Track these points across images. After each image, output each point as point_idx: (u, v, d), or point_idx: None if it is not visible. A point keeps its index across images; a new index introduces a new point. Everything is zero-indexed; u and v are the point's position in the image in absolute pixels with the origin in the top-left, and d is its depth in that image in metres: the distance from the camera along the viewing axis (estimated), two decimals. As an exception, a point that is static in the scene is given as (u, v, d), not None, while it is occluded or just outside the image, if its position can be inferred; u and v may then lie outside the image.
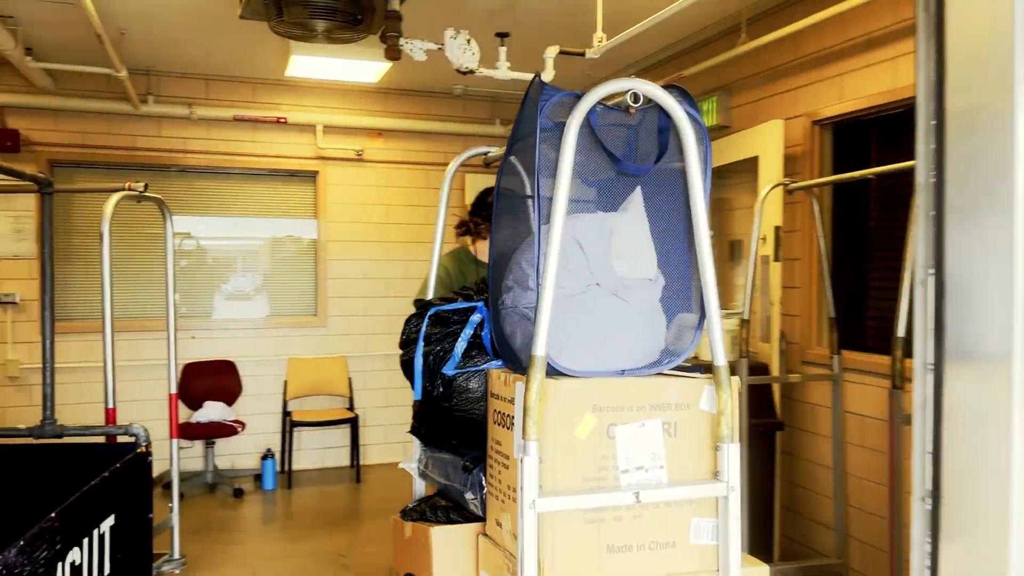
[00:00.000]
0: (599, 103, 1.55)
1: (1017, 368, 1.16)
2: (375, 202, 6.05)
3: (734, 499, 1.55)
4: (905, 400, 2.92)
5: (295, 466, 5.84)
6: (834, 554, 3.70)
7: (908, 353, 2.87)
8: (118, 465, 2.30)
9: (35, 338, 5.27)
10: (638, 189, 1.64)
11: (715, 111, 4.58)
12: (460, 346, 1.88)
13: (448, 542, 1.87)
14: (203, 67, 5.45)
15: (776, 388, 4.05)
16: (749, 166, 4.29)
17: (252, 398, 5.77)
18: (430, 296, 2.19)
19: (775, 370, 4.04)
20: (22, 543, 1.56)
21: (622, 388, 1.57)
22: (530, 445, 1.43)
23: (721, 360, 1.54)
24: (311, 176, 5.95)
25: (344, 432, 5.84)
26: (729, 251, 4.85)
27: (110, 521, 2.21)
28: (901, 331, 2.95)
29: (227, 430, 5.21)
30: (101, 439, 2.85)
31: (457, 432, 1.90)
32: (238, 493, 5.20)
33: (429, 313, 1.96)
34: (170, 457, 3.46)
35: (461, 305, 1.95)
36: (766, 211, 3.79)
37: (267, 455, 5.42)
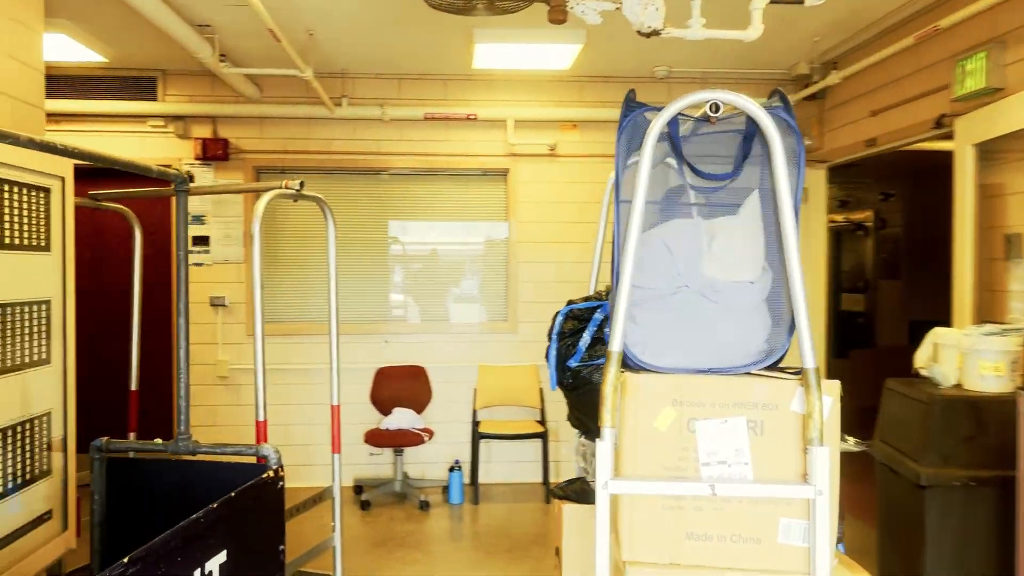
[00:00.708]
0: (681, 113, 1.65)
1: None
2: (568, 200, 5.62)
3: (822, 503, 1.55)
4: None
5: (484, 479, 5.56)
6: None
7: None
8: (233, 495, 2.03)
9: (243, 340, 5.45)
10: (755, 193, 1.71)
11: (983, 70, 3.61)
12: (584, 340, 2.06)
13: (576, 519, 2.15)
14: (394, 66, 5.34)
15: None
16: (1033, 136, 3.31)
17: (441, 405, 5.58)
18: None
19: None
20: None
21: (703, 384, 1.63)
22: (605, 431, 1.56)
23: (810, 363, 1.55)
24: (502, 174, 5.65)
25: (536, 446, 5.47)
26: (1005, 248, 3.82)
27: (220, 558, 1.95)
28: None
29: (414, 438, 5.03)
30: (251, 458, 2.65)
31: (590, 419, 2.06)
32: (424, 506, 4.99)
33: (565, 310, 2.17)
34: (332, 472, 3.23)
35: (592, 304, 2.14)
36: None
37: (454, 467, 5.18)
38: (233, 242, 5.43)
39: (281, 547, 2.33)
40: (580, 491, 2.21)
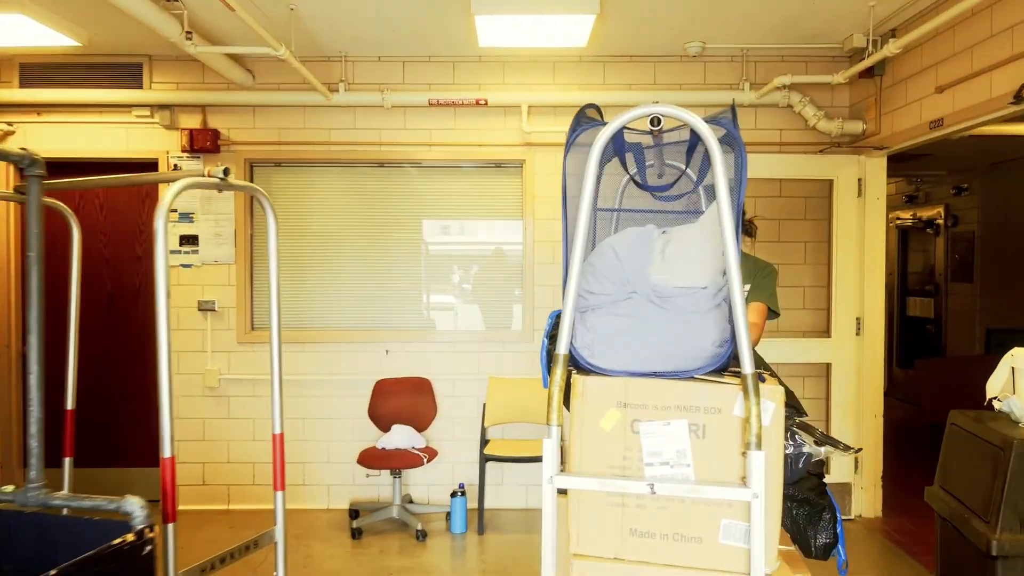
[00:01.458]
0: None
1: None
2: (591, 194, 5.03)
3: (757, 505, 1.58)
4: None
5: (493, 504, 5.03)
6: None
7: None
8: (68, 565, 1.55)
9: (234, 347, 5.03)
10: (714, 204, 1.71)
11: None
12: None
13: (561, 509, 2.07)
14: (398, 48, 4.84)
15: None
16: None
17: (448, 421, 5.06)
18: None
19: None
20: None
21: (648, 387, 1.70)
22: (552, 429, 1.66)
23: (747, 368, 1.58)
24: (516, 166, 5.10)
25: (551, 468, 4.90)
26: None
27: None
28: None
29: (412, 460, 4.53)
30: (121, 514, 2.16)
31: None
32: (421, 536, 4.48)
33: (556, 312, 2.07)
34: (275, 509, 2.74)
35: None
36: None
37: (457, 492, 4.65)
38: (224, 241, 5.01)
39: (152, 628, 1.84)
40: None
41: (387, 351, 5.04)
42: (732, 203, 1.62)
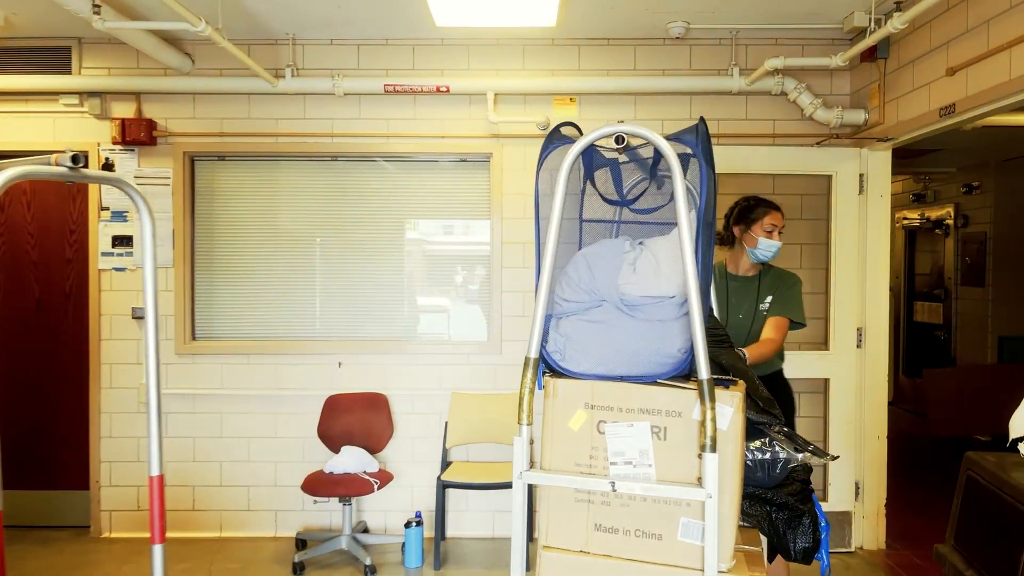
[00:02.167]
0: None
1: None
2: (565, 191, 4.56)
3: (711, 505, 1.66)
4: None
5: (456, 532, 4.57)
6: None
7: None
8: None
9: (173, 359, 4.57)
10: (692, 213, 1.81)
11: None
12: None
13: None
14: (352, 30, 4.39)
15: None
16: None
17: (406, 441, 4.59)
18: None
19: None
20: None
21: (613, 390, 1.79)
22: (522, 428, 1.78)
23: (703, 374, 1.65)
24: (483, 160, 4.64)
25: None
26: None
27: None
28: None
29: (361, 486, 4.06)
30: None
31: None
32: (369, 572, 4.01)
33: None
34: (152, 567, 2.28)
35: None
36: None
37: (411, 522, 4.18)
38: (161, 242, 4.55)
39: None
40: None
41: (340, 363, 4.58)
42: (709, 214, 1.76)
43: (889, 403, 4.49)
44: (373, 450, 4.45)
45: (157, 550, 2.29)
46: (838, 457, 2.43)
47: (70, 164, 2.00)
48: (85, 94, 4.50)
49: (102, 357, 4.57)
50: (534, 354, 1.78)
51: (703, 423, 1.65)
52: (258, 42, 4.52)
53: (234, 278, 4.63)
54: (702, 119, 1.82)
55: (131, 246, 4.55)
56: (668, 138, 1.82)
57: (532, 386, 1.77)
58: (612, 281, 1.86)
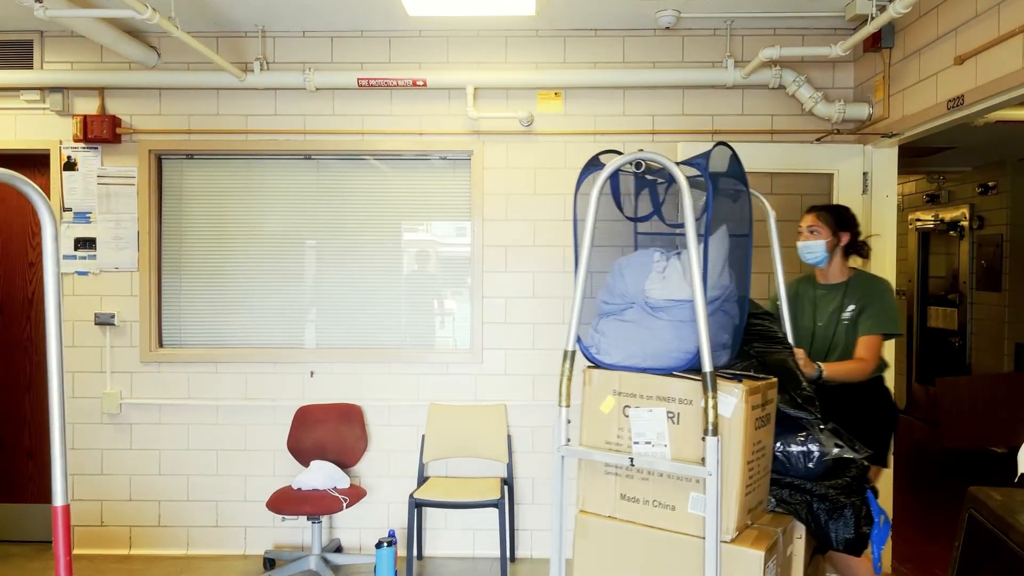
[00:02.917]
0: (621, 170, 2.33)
1: None
2: (551, 191, 4.31)
3: (712, 482, 1.93)
4: None
5: (434, 551, 4.32)
6: None
7: None
8: None
9: (138, 368, 4.36)
10: (722, 228, 2.25)
11: None
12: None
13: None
14: (324, 22, 4.16)
15: None
16: None
17: (382, 455, 4.36)
18: None
19: None
20: None
21: (637, 379, 2.11)
22: (561, 411, 2.15)
23: (706, 367, 1.93)
24: (464, 158, 4.39)
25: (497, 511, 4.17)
26: None
27: None
28: None
29: (330, 504, 3.83)
30: None
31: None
32: (335, 595, 3.79)
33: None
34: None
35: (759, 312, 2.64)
36: None
37: (383, 542, 3.92)
38: (126, 245, 4.34)
39: None
40: None
41: (312, 373, 4.35)
42: (717, 233, 2.19)
43: (901, 412, 4.21)
44: (346, 464, 4.22)
45: (61, 589, 2.05)
46: (871, 453, 2.34)
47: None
48: (47, 90, 4.30)
49: (65, 365, 4.37)
50: (570, 348, 2.16)
51: (705, 410, 1.93)
52: (227, 34, 4.30)
53: (203, 282, 4.42)
54: (722, 143, 2.15)
55: (94, 248, 4.34)
56: (683, 163, 2.12)
57: (569, 374, 2.12)
58: (639, 286, 2.23)
